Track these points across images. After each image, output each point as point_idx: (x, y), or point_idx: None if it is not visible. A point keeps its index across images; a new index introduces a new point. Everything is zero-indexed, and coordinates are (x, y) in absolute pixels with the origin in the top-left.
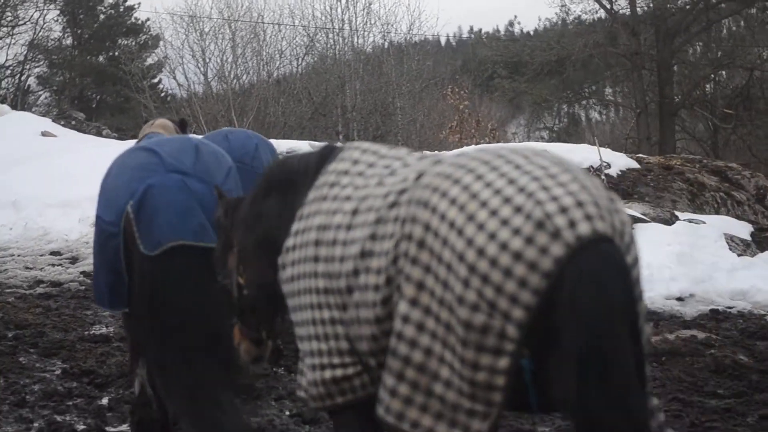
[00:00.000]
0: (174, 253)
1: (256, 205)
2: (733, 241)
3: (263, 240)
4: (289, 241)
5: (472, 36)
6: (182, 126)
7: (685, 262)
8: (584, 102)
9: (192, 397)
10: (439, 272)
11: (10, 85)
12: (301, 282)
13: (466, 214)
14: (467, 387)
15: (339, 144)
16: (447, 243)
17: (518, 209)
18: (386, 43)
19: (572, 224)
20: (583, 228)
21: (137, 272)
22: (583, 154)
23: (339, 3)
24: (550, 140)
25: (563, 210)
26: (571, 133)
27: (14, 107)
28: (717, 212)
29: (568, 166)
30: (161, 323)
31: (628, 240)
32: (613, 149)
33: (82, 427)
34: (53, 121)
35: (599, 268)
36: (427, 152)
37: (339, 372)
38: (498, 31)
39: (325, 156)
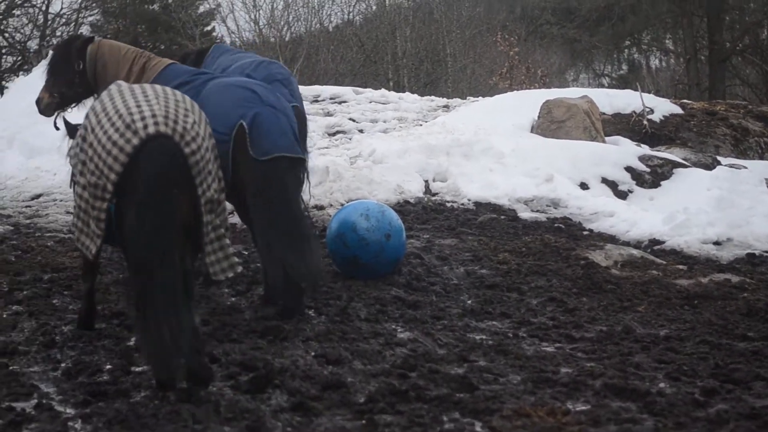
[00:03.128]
0: (276, 160)
1: None
2: None
3: None
4: None
5: None
6: (201, 54)
7: (723, 206)
8: (643, 48)
9: (293, 263)
10: (87, 153)
11: (65, 34)
12: None
13: (98, 119)
14: (94, 219)
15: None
16: (91, 135)
17: (120, 116)
18: None
19: (145, 126)
20: (151, 129)
21: (247, 171)
22: (626, 99)
23: None
24: (610, 86)
25: (143, 118)
26: (629, 81)
27: None
28: (761, 157)
29: (169, 96)
30: (266, 211)
31: (189, 138)
32: (669, 96)
33: (109, 367)
34: None
35: (157, 152)
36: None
37: None
38: None
39: None
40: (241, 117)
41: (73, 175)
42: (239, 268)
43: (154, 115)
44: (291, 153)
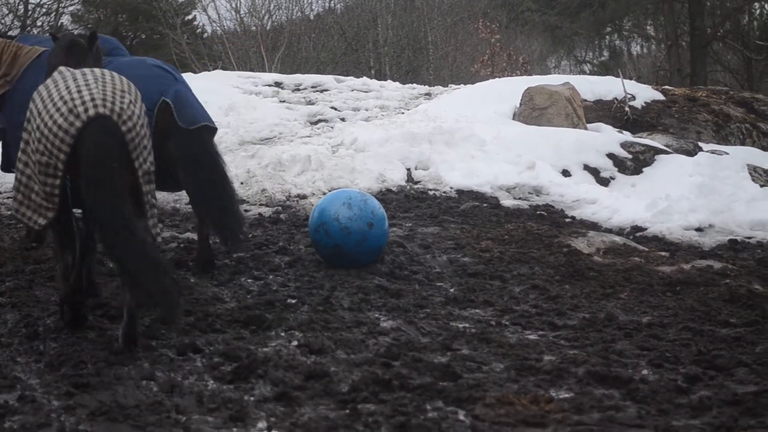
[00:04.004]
0: (201, 129)
1: None
2: (756, 172)
3: None
4: None
5: None
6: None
7: (705, 192)
8: (624, 34)
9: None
10: (33, 135)
11: (45, 24)
12: None
13: (43, 104)
14: (43, 194)
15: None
16: (36, 119)
17: (65, 102)
18: None
19: (86, 110)
20: (91, 111)
21: (177, 140)
22: (608, 86)
23: None
24: (591, 73)
25: (83, 102)
26: (611, 67)
27: None
28: (742, 143)
29: (107, 79)
30: (199, 173)
31: (125, 117)
32: (650, 82)
33: (92, 358)
34: None
35: (96, 131)
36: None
37: None
38: None
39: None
40: (162, 93)
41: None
42: (158, 231)
43: (93, 99)
44: (211, 123)
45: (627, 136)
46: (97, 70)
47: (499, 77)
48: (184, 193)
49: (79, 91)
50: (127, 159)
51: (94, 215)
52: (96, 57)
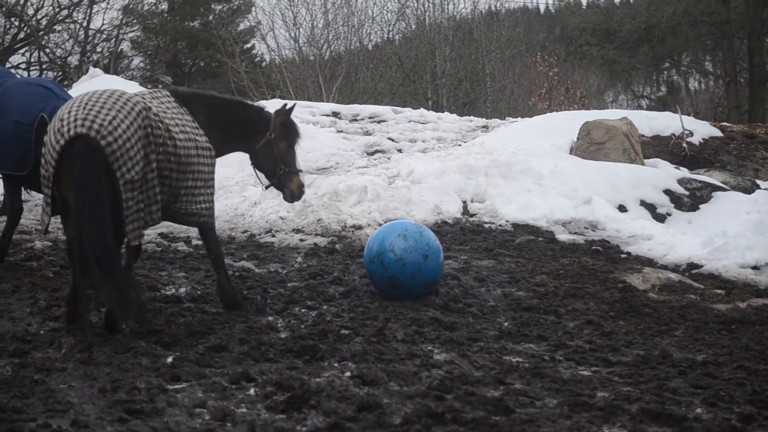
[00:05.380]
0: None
1: None
2: None
3: None
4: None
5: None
6: None
7: (762, 230)
8: (682, 70)
9: None
10: (43, 152)
11: (105, 50)
12: None
13: (52, 124)
14: (44, 202)
15: None
16: (46, 138)
17: (60, 121)
18: (477, 9)
19: (69, 130)
20: (72, 132)
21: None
22: (665, 121)
23: None
24: (648, 108)
25: (68, 123)
26: (668, 102)
27: (107, 71)
28: None
29: (100, 100)
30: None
31: (105, 132)
32: (708, 118)
33: (144, 384)
34: (140, 84)
35: (77, 147)
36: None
37: None
38: None
39: None
40: (42, 110)
41: None
42: (142, 239)
43: (75, 119)
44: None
45: (684, 172)
46: (99, 91)
47: (557, 111)
48: (239, 221)
49: (69, 113)
50: (108, 170)
51: (76, 218)
52: None
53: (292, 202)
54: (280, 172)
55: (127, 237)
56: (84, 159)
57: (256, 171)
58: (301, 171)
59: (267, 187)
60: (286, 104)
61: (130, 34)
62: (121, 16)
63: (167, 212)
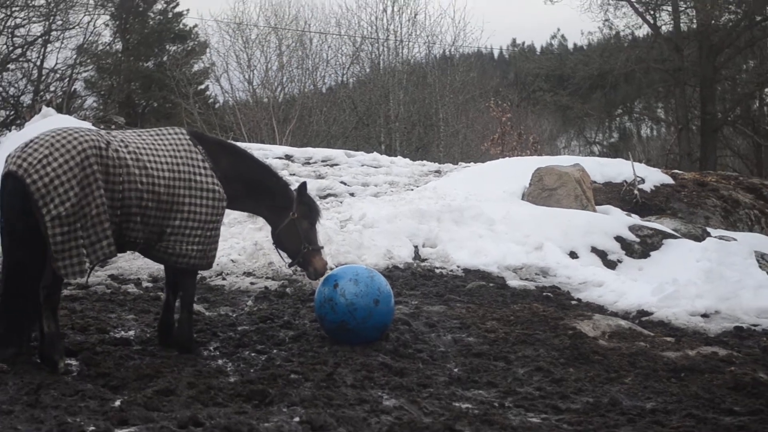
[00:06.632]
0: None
1: None
2: (763, 259)
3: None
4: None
5: (515, 49)
6: None
7: (712, 278)
8: (635, 117)
9: None
10: None
11: (59, 89)
12: None
13: None
14: None
15: None
16: None
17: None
18: (431, 54)
19: (3, 167)
20: (4, 169)
21: None
22: (617, 168)
23: (385, 13)
24: (600, 154)
25: (6, 160)
26: (620, 148)
27: (60, 110)
28: (750, 230)
29: (40, 138)
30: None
31: (32, 171)
32: (660, 165)
33: (92, 428)
34: (93, 124)
35: (5, 184)
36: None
37: None
38: (551, 45)
39: None
40: None
41: None
42: (85, 276)
43: (10, 156)
44: None
45: (635, 219)
46: (52, 130)
47: (509, 156)
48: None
49: (14, 150)
50: (34, 207)
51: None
52: None
53: (316, 279)
54: (305, 250)
55: (59, 273)
56: (8, 194)
57: (278, 250)
58: (322, 248)
59: (291, 266)
60: (305, 183)
61: (84, 74)
62: (75, 56)
63: (152, 252)
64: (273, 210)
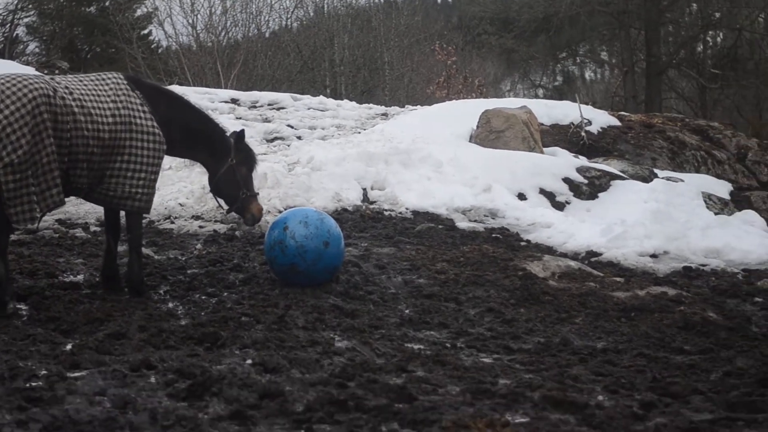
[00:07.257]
0: None
1: None
2: (710, 200)
3: None
4: None
5: None
6: None
7: (660, 219)
8: (577, 60)
9: None
10: None
11: (0, 35)
12: None
13: None
14: None
15: None
16: None
17: None
18: None
19: None
20: None
21: None
22: (564, 110)
23: None
24: (545, 97)
25: None
26: (564, 92)
27: (2, 56)
28: (697, 171)
29: None
30: None
31: None
32: (604, 108)
33: (44, 372)
34: (36, 69)
35: None
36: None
37: None
38: None
39: None
40: None
41: None
42: (36, 222)
43: None
44: None
45: (583, 161)
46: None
47: (455, 99)
48: None
49: None
50: None
51: None
52: None
53: (253, 225)
54: (243, 196)
55: (11, 219)
56: None
57: (216, 197)
58: (258, 194)
59: (229, 212)
60: (243, 129)
61: (26, 19)
62: (16, 1)
63: (94, 195)
64: (211, 156)
